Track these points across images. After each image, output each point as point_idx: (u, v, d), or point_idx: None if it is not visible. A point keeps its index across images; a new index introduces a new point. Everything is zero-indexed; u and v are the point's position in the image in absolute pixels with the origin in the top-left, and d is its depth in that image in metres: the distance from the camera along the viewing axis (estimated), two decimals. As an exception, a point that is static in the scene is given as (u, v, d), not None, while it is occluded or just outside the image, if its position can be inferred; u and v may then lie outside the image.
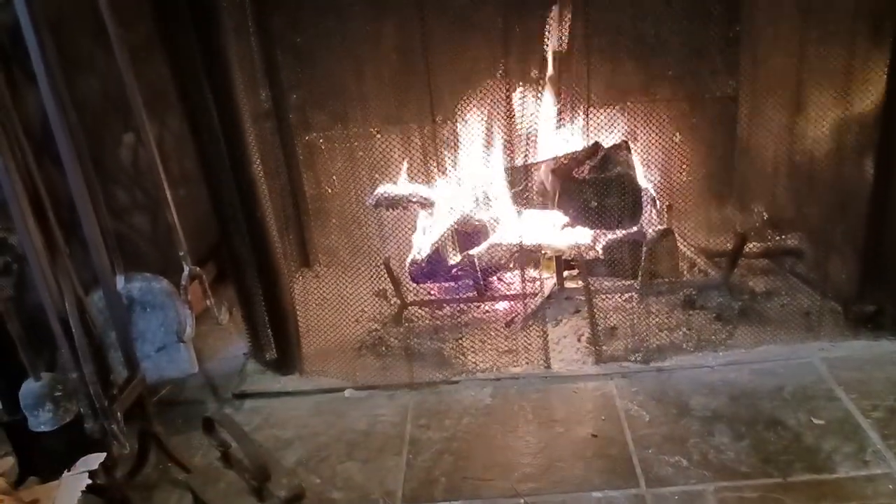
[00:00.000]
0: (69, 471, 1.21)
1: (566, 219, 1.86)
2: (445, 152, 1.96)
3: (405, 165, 1.97)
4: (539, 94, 1.91)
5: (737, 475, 1.35)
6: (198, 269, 1.38)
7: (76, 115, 1.22)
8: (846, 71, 1.65)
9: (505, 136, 1.86)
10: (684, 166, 1.99)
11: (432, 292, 2.01)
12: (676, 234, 1.95)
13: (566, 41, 1.89)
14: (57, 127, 1.15)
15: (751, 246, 1.96)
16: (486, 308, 1.92)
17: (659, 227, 1.90)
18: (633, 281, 1.85)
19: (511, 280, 1.96)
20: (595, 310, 1.82)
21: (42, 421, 1.22)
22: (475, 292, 1.92)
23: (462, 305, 1.93)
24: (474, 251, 1.90)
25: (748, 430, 1.46)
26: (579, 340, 1.79)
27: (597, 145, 1.85)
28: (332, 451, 1.51)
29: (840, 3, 1.66)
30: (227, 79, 1.53)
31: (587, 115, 1.92)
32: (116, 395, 1.23)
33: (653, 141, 1.94)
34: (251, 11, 1.85)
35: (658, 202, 1.95)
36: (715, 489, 1.32)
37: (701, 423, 1.49)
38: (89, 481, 1.19)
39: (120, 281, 1.34)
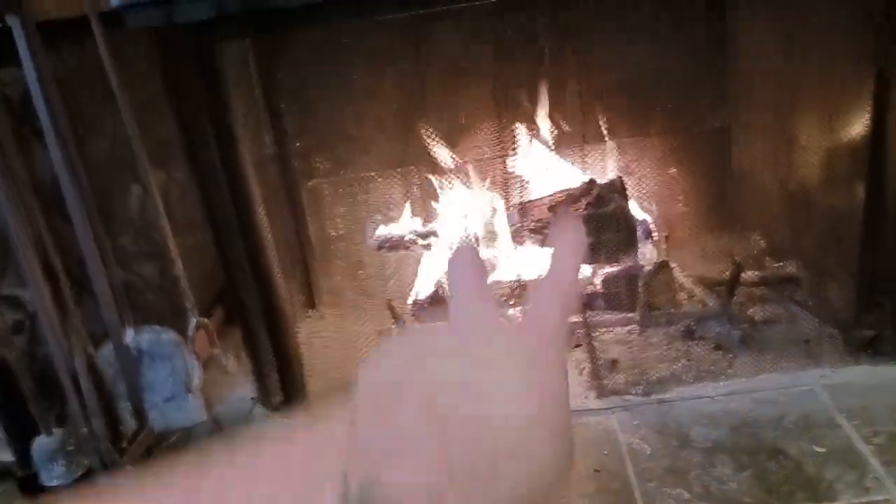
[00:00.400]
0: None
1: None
2: (444, 193, 2.00)
3: (406, 207, 2.02)
4: (534, 134, 1.96)
5: (739, 507, 1.36)
6: (204, 319, 1.42)
7: (85, 171, 1.28)
8: (833, 100, 1.69)
9: (502, 176, 1.90)
10: (680, 198, 2.03)
11: (436, 330, 2.03)
12: (675, 265, 1.98)
13: (559, 81, 1.95)
14: (67, 187, 1.20)
15: (749, 274, 1.98)
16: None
17: (656, 259, 1.93)
18: (632, 314, 1.88)
19: (513, 315, 1.99)
20: (595, 343, 1.85)
21: (55, 475, 1.25)
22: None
23: (465, 342, 1.95)
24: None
25: (750, 461, 1.47)
26: (581, 374, 1.81)
27: (592, 182, 1.89)
28: (339, 494, 1.53)
29: (822, 34, 1.70)
30: (230, 131, 1.58)
31: (582, 153, 1.97)
32: (126, 448, 1.27)
33: (648, 174, 1.98)
34: (255, 65, 1.92)
35: (655, 234, 1.98)
36: (717, 522, 1.33)
37: (702, 455, 1.50)
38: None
39: (129, 334, 1.38)
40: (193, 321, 1.39)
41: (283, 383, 1.79)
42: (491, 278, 1.96)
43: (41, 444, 1.26)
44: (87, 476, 1.27)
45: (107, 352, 1.37)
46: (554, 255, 0.42)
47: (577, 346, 1.90)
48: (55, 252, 1.19)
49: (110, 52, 1.21)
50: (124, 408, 1.37)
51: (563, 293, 0.39)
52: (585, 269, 1.94)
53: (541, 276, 0.41)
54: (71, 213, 1.17)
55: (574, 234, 0.43)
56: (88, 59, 1.38)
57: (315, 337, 1.90)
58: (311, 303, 2.23)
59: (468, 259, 0.43)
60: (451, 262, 0.44)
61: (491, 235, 1.95)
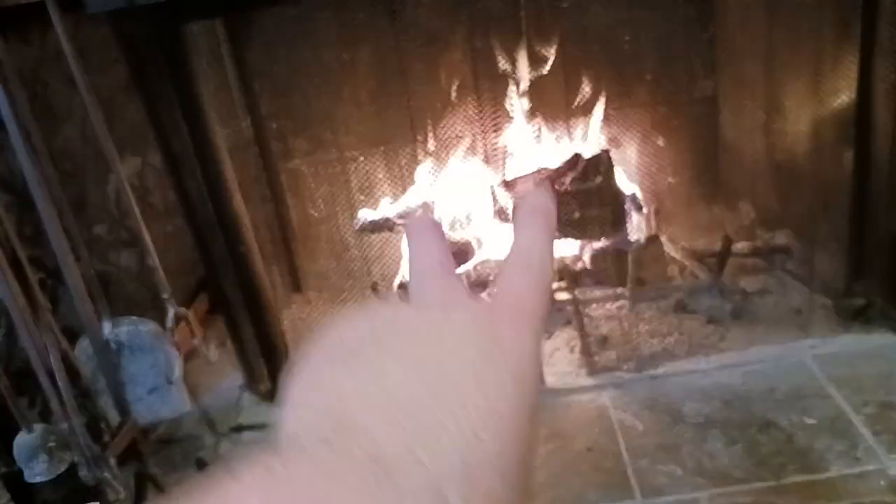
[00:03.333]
0: (66, 519, 1.22)
1: (551, 231, 1.87)
2: (427, 172, 1.97)
3: (388, 187, 1.98)
4: (517, 108, 1.92)
5: (730, 481, 1.35)
6: (183, 309, 1.39)
7: (57, 160, 1.24)
8: (818, 69, 1.66)
9: (485, 153, 1.87)
10: (669, 170, 2.00)
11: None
12: (665, 238, 1.96)
13: (541, 53, 1.90)
14: (31, 177, 1.16)
15: (740, 245, 1.96)
16: (478, 324, 1.92)
17: (645, 233, 1.91)
18: (622, 289, 1.86)
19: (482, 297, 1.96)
20: (586, 320, 1.83)
21: (37, 472, 1.23)
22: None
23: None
24: (461, 269, 1.91)
25: (741, 435, 1.46)
26: (572, 352, 1.79)
27: (577, 156, 1.85)
28: (329, 480, 1.52)
29: (805, 3, 1.67)
30: (201, 115, 1.54)
31: (567, 127, 1.93)
32: (108, 442, 1.24)
33: (636, 147, 1.94)
34: (226, 44, 1.87)
35: (645, 207, 1.95)
36: (709, 496, 1.33)
37: (694, 430, 1.49)
38: (86, 529, 1.20)
39: (107, 327, 1.35)
40: (172, 311, 1.36)
41: (269, 370, 1.77)
42: (475, 259, 1.93)
43: (22, 441, 1.23)
44: (70, 471, 1.24)
45: (85, 345, 1.35)
46: (520, 230, 0.37)
47: (567, 323, 1.88)
48: (22, 245, 1.15)
49: (70, 38, 1.16)
50: (108, 402, 1.34)
51: (534, 271, 0.35)
52: (574, 245, 1.92)
53: (508, 254, 0.36)
54: (37, 204, 1.13)
55: (541, 202, 0.39)
56: (54, 46, 1.34)
57: (301, 321, 1.88)
58: (296, 286, 2.20)
59: (428, 227, 0.38)
60: (408, 232, 0.39)
61: (473, 213, 1.92)
